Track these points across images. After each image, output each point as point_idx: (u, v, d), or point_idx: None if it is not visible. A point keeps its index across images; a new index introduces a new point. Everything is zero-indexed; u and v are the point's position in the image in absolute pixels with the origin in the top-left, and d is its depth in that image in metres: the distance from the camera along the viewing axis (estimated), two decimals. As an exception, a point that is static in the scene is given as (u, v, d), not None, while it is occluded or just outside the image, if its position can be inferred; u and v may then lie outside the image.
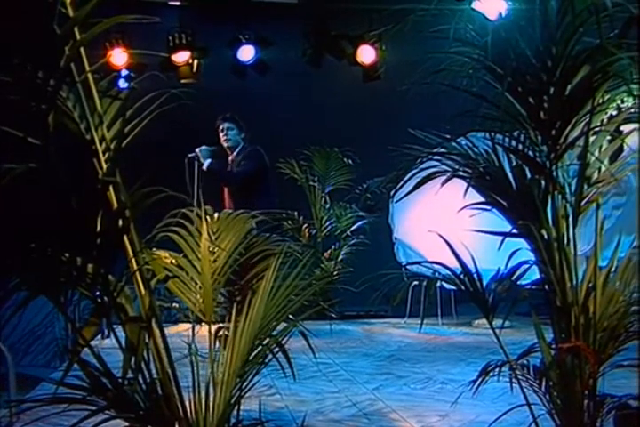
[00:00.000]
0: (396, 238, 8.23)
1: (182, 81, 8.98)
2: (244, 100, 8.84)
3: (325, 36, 9.37)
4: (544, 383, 3.00)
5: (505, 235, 2.92)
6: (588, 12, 2.32)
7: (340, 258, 8.53)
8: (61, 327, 6.69)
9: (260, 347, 2.39)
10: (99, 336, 7.39)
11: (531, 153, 2.74)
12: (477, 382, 3.38)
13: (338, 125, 8.82)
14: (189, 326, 6.77)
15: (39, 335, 6.52)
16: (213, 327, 2.70)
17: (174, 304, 6.59)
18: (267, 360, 2.39)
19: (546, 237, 2.74)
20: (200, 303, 2.66)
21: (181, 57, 9.07)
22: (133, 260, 2.29)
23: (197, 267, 2.69)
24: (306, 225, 8.48)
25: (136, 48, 8.48)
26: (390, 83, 8.71)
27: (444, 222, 8.03)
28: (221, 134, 6.93)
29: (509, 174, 2.72)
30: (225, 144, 6.90)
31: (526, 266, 3.02)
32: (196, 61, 9.22)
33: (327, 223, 8.63)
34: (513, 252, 3.06)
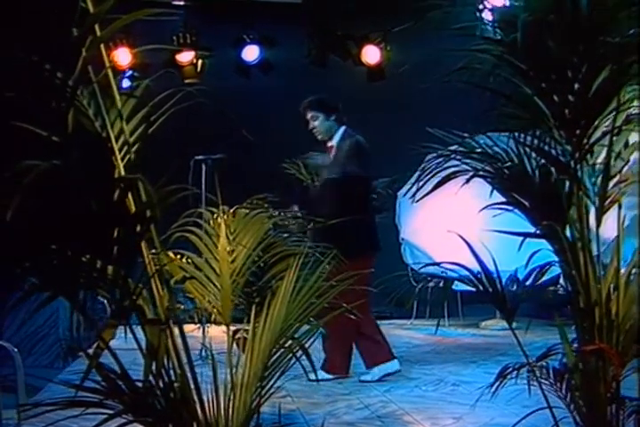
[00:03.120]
0: (402, 239, 8.18)
1: (186, 81, 8.94)
2: (249, 100, 8.80)
3: (330, 35, 9.34)
4: (565, 386, 2.95)
5: (527, 235, 2.87)
6: (618, 7, 2.28)
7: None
8: (65, 328, 6.65)
9: (282, 349, 2.34)
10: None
11: (553, 152, 2.69)
12: (495, 385, 3.32)
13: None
14: (194, 326, 6.72)
15: (42, 336, 6.48)
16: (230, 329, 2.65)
17: (179, 306, 6.54)
18: (290, 363, 2.34)
19: (569, 237, 2.69)
20: (218, 305, 2.61)
21: (185, 57, 9.04)
22: (152, 261, 2.25)
23: (215, 268, 2.64)
24: None
25: (140, 48, 8.44)
26: (396, 83, 8.68)
27: (453, 222, 7.99)
28: (309, 126, 5.80)
29: (532, 174, 2.67)
30: (318, 137, 5.77)
31: (545, 267, 2.98)
32: (200, 61, 9.19)
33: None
34: (533, 252, 3.02)
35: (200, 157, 6.15)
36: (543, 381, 3.01)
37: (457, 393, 4.94)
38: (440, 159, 2.76)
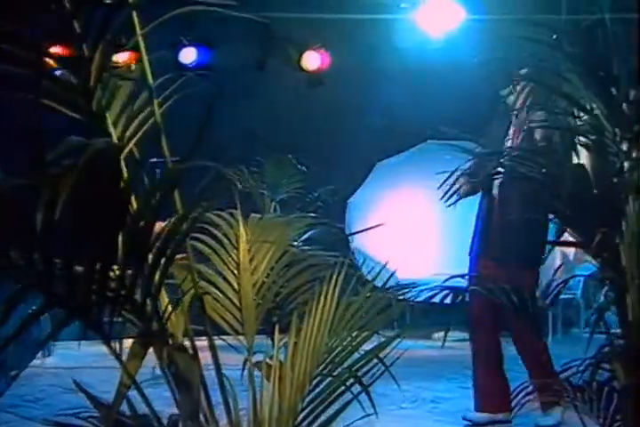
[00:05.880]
0: (355, 248, 7.89)
1: (120, 83, 8.50)
2: (189, 104, 8.41)
3: (270, 40, 9.08)
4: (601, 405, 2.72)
5: (568, 245, 2.64)
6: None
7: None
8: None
9: (330, 378, 2.01)
10: (39, 354, 6.78)
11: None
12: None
13: (288, 131, 8.52)
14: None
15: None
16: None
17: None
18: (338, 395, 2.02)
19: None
20: (239, 325, 2.25)
21: (121, 58, 8.60)
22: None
23: (233, 283, 2.29)
24: None
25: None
26: (339, 88, 8.52)
27: (408, 230, 7.75)
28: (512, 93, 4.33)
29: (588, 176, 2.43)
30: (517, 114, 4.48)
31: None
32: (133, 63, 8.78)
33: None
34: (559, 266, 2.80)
35: (154, 160, 5.69)
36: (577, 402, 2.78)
37: (439, 411, 4.69)
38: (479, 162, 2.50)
